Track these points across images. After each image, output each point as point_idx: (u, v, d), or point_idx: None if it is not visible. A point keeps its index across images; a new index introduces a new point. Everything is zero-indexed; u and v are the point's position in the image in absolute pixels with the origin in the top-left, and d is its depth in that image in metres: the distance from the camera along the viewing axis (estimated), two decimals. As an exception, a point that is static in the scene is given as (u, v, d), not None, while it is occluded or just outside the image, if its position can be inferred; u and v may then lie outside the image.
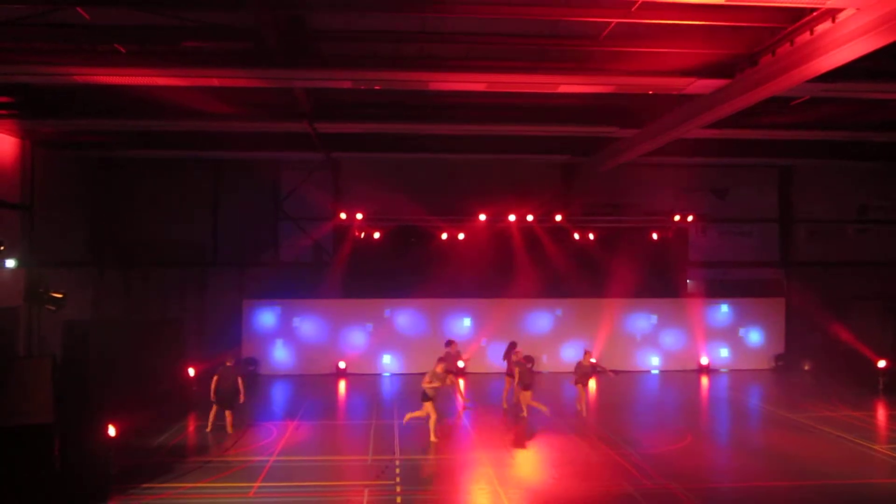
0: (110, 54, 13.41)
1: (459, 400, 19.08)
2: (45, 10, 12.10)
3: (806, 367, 24.67)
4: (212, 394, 15.88)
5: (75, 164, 23.19)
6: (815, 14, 11.28)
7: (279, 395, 21.39)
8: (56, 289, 18.07)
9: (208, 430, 15.92)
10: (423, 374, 18.95)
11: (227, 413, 15.85)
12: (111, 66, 13.65)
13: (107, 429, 12.03)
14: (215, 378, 15.93)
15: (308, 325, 24.02)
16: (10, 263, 18.07)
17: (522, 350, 18.90)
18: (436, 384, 15.32)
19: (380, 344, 24.09)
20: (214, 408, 15.97)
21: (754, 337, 25.31)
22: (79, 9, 11.94)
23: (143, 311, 23.77)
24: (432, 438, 15.04)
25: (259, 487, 12.25)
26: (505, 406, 18.06)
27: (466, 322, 24.45)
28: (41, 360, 12.06)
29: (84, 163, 23.76)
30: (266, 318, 23.98)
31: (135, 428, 15.00)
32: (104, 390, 12.33)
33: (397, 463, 13.62)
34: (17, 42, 13.03)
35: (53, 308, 18.03)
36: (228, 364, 16.16)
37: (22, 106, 17.41)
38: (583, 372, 18.13)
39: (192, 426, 16.93)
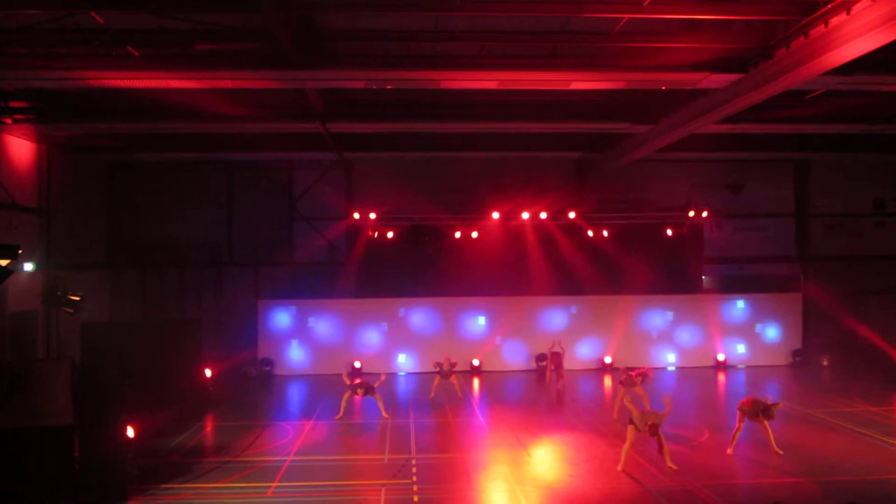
0: (124, 58, 13.52)
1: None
2: (60, 16, 12.22)
3: (824, 363, 24.45)
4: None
5: (91, 168, 23.41)
6: (829, 6, 11.20)
7: (295, 395, 21.47)
8: (73, 291, 18.23)
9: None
10: (436, 373, 19.18)
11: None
12: (125, 70, 13.77)
13: (125, 429, 12.12)
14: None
15: (323, 325, 24.08)
16: (28, 267, 18.28)
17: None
18: None
19: (394, 343, 24.12)
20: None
21: (771, 333, 25.09)
22: (93, 13, 12.04)
23: (159, 312, 23.98)
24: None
25: (277, 487, 12.30)
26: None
27: (481, 320, 24.41)
28: (60, 362, 12.18)
29: (99, 166, 23.99)
30: (281, 318, 24.04)
31: (153, 428, 15.11)
32: (122, 391, 12.40)
33: (414, 462, 13.63)
34: (33, 47, 13.19)
35: (71, 310, 18.19)
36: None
37: (38, 110, 17.59)
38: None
39: (209, 426, 17.03)
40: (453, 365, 19.32)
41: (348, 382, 17.23)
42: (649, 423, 12.69)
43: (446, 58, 14.02)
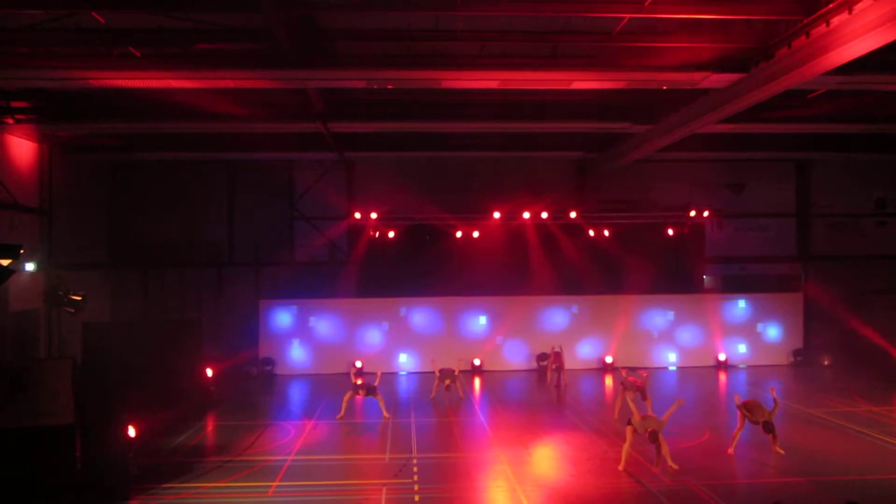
0: (125, 58, 13.53)
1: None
2: (61, 15, 12.23)
3: (825, 363, 24.44)
4: None
5: (92, 167, 23.42)
6: (831, 6, 11.18)
7: (296, 394, 21.49)
8: (75, 291, 18.24)
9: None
10: (436, 373, 19.19)
11: None
12: (126, 70, 13.78)
13: (127, 429, 12.14)
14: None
15: (324, 325, 24.09)
16: (30, 266, 18.30)
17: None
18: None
19: (396, 343, 24.13)
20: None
21: (772, 332, 25.10)
22: (94, 13, 12.06)
23: (160, 312, 23.97)
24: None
25: (277, 486, 12.31)
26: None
27: (482, 320, 24.42)
28: (62, 361, 12.20)
29: (101, 166, 24.00)
30: (282, 317, 24.07)
31: (154, 428, 15.12)
32: (124, 391, 12.43)
33: (415, 461, 13.64)
34: (34, 47, 13.20)
35: (73, 310, 18.21)
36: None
37: (39, 110, 17.60)
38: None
39: (211, 426, 17.04)
40: (455, 375, 19.29)
41: (355, 382, 17.21)
42: (649, 429, 12.68)
43: (447, 57, 14.01)
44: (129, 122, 18.71)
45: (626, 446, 12.99)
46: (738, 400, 14.14)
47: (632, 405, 13.54)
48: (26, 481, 10.95)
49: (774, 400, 13.85)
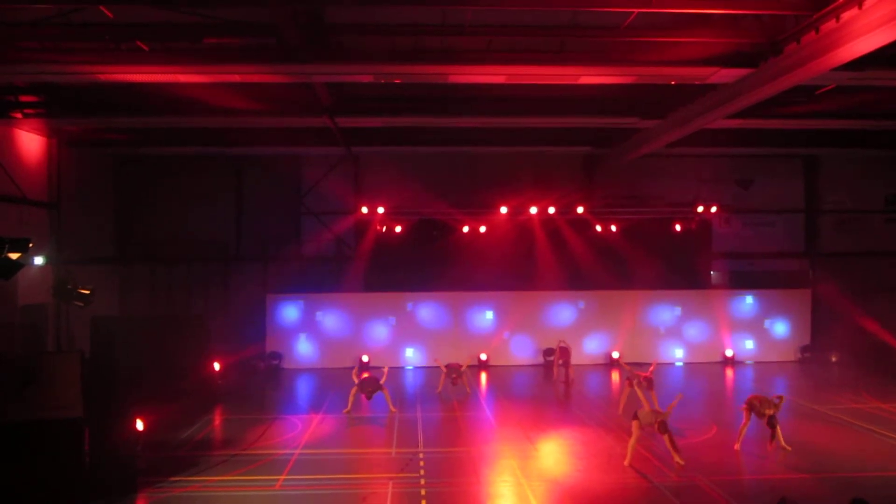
0: (133, 52, 13.57)
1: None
2: (69, 10, 12.26)
3: (833, 359, 24.33)
4: None
5: (101, 162, 23.51)
6: (840, 1, 11.11)
7: (303, 388, 21.55)
8: (83, 285, 18.32)
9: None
10: (442, 368, 19.21)
11: None
12: (134, 64, 13.81)
13: (134, 422, 12.20)
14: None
15: (331, 319, 24.15)
16: (39, 261, 18.40)
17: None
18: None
19: (402, 337, 24.16)
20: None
21: (780, 328, 25.02)
22: (102, 7, 12.08)
23: (168, 306, 24.07)
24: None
25: (285, 480, 12.36)
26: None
27: (489, 315, 24.43)
28: (70, 355, 12.24)
29: (109, 160, 24.08)
30: (289, 312, 24.13)
31: (162, 422, 15.17)
32: (131, 385, 12.49)
33: (421, 455, 13.67)
34: (43, 42, 13.24)
35: (81, 304, 18.29)
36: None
37: (48, 105, 17.67)
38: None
39: (218, 419, 17.11)
40: (461, 369, 19.33)
41: (356, 380, 17.26)
42: (657, 420, 12.71)
43: (454, 52, 13.98)
44: (137, 117, 18.76)
45: (631, 441, 13.00)
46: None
47: (641, 395, 13.53)
48: (34, 474, 11.01)
49: (780, 398, 13.83)
